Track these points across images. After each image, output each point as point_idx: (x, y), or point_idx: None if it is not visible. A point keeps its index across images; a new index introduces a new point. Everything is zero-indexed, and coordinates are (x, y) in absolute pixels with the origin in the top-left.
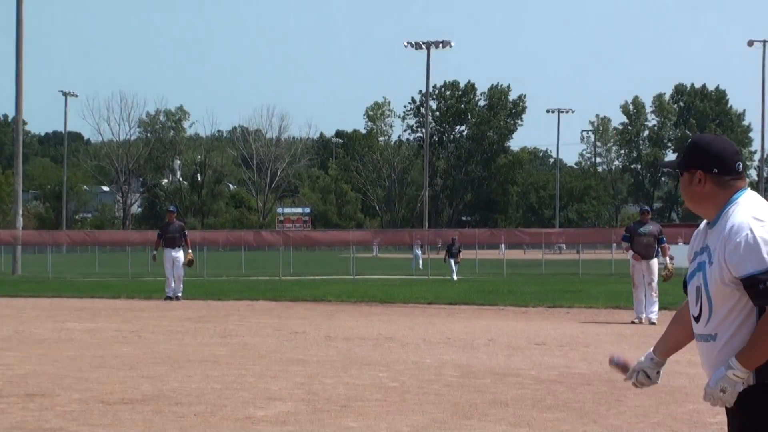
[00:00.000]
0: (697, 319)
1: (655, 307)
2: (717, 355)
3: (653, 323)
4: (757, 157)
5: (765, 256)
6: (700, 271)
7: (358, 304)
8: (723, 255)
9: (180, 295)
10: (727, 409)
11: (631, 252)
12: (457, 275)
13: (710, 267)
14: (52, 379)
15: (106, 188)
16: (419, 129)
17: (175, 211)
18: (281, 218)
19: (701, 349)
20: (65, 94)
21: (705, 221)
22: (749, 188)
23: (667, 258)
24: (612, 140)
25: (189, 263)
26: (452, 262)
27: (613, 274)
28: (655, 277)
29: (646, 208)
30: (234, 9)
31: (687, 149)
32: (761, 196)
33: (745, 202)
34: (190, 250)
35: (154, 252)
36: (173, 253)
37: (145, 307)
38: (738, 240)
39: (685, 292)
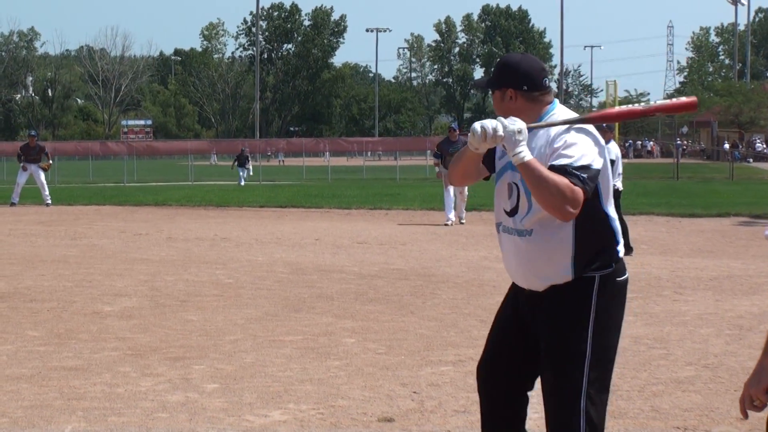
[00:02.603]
0: (512, 213)
1: (464, 209)
2: (530, 250)
3: (462, 223)
4: (557, 71)
5: (580, 154)
6: (514, 169)
7: (196, 207)
8: (547, 155)
9: (49, 202)
10: (530, 300)
11: (439, 168)
12: (244, 181)
13: None
14: None
15: None
16: (250, 47)
17: (35, 135)
18: (125, 130)
19: (511, 242)
20: None
21: None
22: (557, 101)
23: None
24: (426, 56)
25: (45, 168)
26: (240, 169)
27: (428, 179)
28: None
29: (454, 126)
30: None
31: (497, 69)
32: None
33: (559, 114)
34: (50, 161)
35: (23, 164)
36: (33, 167)
37: None
38: (560, 141)
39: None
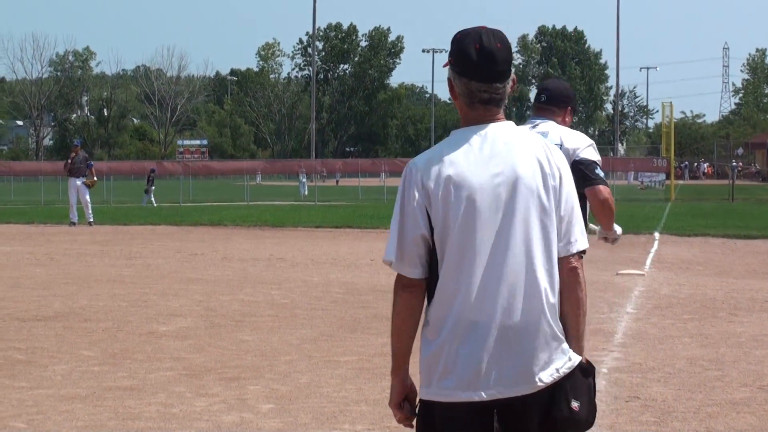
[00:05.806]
0: None
1: None
2: None
3: None
4: (612, 92)
5: None
6: None
7: (252, 228)
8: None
9: (92, 220)
10: None
11: None
12: (147, 203)
13: None
14: None
15: (20, 122)
16: (306, 67)
17: (79, 145)
18: (181, 149)
19: None
20: None
21: None
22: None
23: None
24: None
25: (89, 185)
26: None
27: None
28: None
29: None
30: None
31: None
32: (616, 127)
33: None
34: (95, 177)
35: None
36: (77, 182)
37: (56, 232)
38: None
39: None
